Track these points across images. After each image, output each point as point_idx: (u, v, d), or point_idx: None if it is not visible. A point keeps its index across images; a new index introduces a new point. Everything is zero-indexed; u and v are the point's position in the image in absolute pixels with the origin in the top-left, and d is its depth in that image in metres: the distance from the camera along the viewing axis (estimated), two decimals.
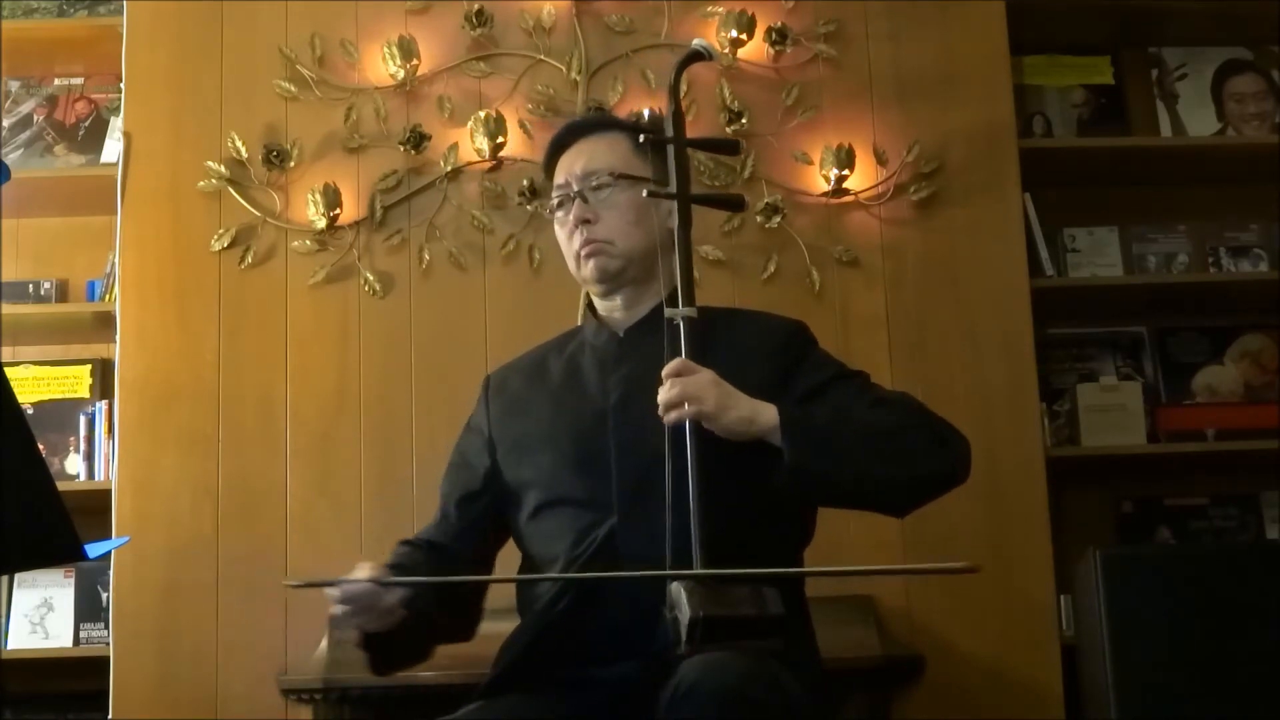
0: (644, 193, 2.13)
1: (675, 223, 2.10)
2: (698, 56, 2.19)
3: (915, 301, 3.58)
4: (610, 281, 2.18)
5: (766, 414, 1.97)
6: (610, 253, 2.16)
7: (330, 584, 1.98)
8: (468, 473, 2.26)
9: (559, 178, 2.23)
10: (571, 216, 2.18)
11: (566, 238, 2.21)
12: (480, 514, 2.23)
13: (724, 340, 2.10)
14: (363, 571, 1.99)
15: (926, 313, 3.58)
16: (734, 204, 2.40)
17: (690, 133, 2.29)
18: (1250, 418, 3.69)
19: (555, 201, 2.22)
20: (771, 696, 1.77)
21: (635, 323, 2.20)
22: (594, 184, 2.18)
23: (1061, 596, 3.43)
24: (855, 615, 3.29)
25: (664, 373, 1.98)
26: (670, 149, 2.10)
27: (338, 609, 2.00)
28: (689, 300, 2.03)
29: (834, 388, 2.11)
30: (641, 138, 2.16)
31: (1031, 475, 3.48)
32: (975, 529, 3.42)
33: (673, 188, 2.09)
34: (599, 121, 2.38)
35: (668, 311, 2.04)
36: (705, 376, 1.97)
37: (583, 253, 2.17)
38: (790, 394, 2.07)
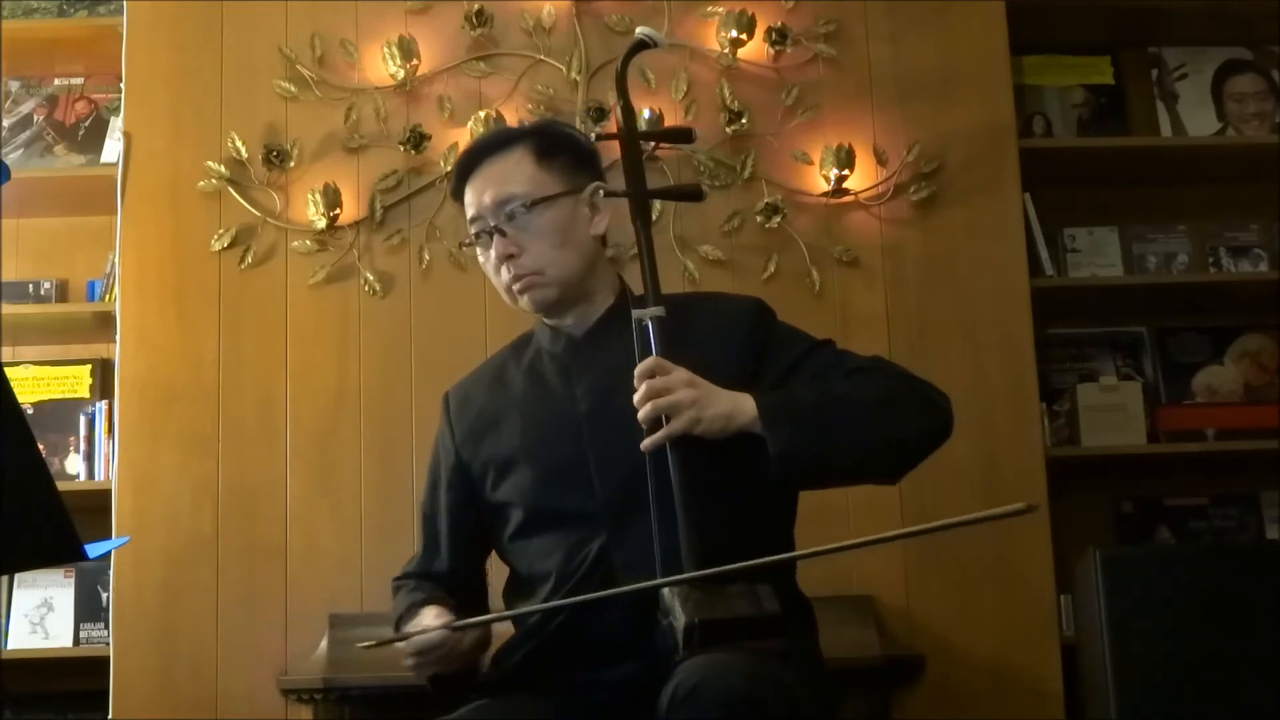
0: (600, 193, 2.12)
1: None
2: (643, 46, 2.13)
3: (915, 301, 3.58)
4: (552, 308, 2.14)
5: (745, 406, 1.95)
6: (542, 283, 2.10)
7: (403, 639, 2.00)
8: (450, 494, 2.22)
9: (470, 209, 2.14)
10: (494, 254, 2.11)
11: (494, 271, 2.14)
12: (471, 528, 2.21)
13: (688, 331, 2.06)
14: (429, 617, 2.01)
15: (926, 313, 3.58)
16: (691, 195, 2.29)
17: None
18: (1250, 418, 3.69)
19: (473, 234, 2.14)
20: (775, 696, 1.76)
21: (591, 326, 2.15)
22: (508, 213, 2.10)
23: (1061, 596, 3.43)
24: (855, 615, 3.29)
25: (637, 372, 1.96)
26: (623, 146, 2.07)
27: (410, 661, 2.01)
28: (656, 299, 2.01)
29: (807, 361, 2.09)
30: (593, 135, 2.14)
31: (1031, 475, 3.48)
32: (976, 528, 3.41)
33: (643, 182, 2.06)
34: (499, 139, 2.18)
35: (636, 313, 2.02)
36: (681, 377, 1.95)
37: (515, 288, 2.11)
38: (765, 376, 2.06)
